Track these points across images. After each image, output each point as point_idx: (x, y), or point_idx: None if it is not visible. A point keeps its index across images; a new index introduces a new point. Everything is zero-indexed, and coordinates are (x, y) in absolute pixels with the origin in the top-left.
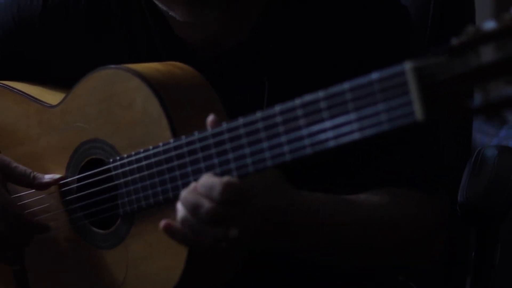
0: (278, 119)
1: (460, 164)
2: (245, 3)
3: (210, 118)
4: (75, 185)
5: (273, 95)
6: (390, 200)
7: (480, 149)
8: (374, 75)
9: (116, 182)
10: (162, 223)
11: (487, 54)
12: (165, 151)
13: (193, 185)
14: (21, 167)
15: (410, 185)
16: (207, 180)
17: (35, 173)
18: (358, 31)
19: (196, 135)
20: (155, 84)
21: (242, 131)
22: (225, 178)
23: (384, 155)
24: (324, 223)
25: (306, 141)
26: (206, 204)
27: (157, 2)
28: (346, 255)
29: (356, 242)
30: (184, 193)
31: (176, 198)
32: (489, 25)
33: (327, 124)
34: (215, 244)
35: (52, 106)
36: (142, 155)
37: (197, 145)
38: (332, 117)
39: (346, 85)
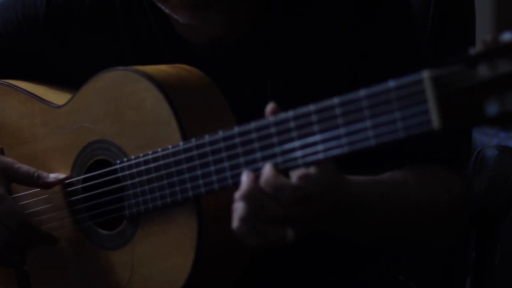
0: (292, 124)
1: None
2: (247, 3)
3: (270, 106)
4: (81, 185)
5: (277, 91)
6: (425, 177)
7: (480, 149)
8: (391, 83)
9: (123, 183)
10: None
11: (505, 64)
12: (174, 153)
13: (251, 177)
14: (25, 167)
15: (438, 162)
16: (274, 179)
17: (39, 172)
18: (361, 25)
19: (207, 138)
20: (164, 86)
21: (253, 135)
22: (295, 181)
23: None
24: (372, 207)
25: (319, 147)
26: (271, 206)
27: (160, 5)
28: (390, 234)
29: (399, 221)
30: (246, 188)
31: (185, 200)
32: (507, 36)
33: (342, 130)
34: (271, 244)
35: (58, 106)
36: (150, 156)
37: (207, 148)
38: (347, 123)
39: (362, 92)
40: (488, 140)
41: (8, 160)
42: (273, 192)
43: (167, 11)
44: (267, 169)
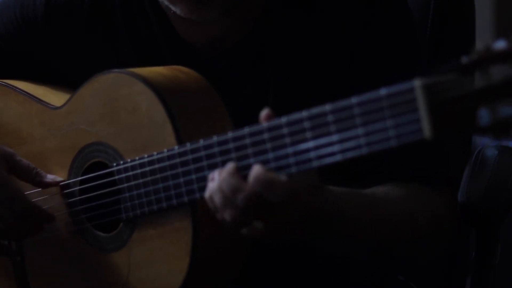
0: (284, 130)
1: (461, 164)
2: (248, 2)
3: (265, 112)
4: (78, 187)
5: (277, 93)
6: (405, 194)
7: (480, 149)
8: (383, 91)
9: (119, 186)
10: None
11: (497, 73)
12: (169, 157)
13: (232, 166)
14: (25, 161)
15: (420, 180)
16: (264, 174)
17: (38, 169)
18: (362, 27)
19: (202, 142)
20: (159, 89)
21: (247, 140)
22: (283, 177)
23: (396, 152)
24: (349, 218)
25: (312, 154)
26: (244, 188)
27: None
28: (367, 247)
29: (377, 235)
30: (226, 175)
31: (180, 205)
32: (500, 44)
33: (334, 138)
34: (236, 227)
35: (55, 108)
36: (146, 160)
37: (202, 153)
38: (339, 131)
39: (354, 100)
40: (488, 140)
41: (10, 150)
42: (263, 186)
43: (165, 3)
44: (256, 167)
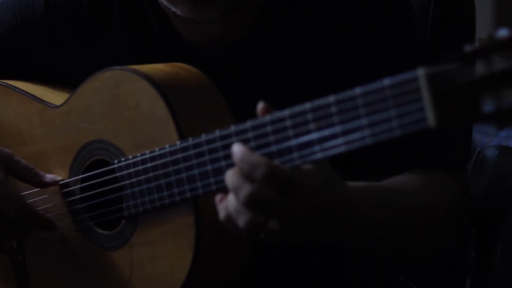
0: (288, 122)
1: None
2: (248, 2)
3: (261, 105)
4: (79, 185)
5: (278, 91)
6: (422, 182)
7: (480, 149)
8: (386, 81)
9: (121, 183)
10: (218, 197)
11: (500, 61)
12: (171, 153)
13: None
14: (23, 162)
15: (434, 167)
16: (251, 157)
17: (36, 170)
18: (362, 26)
19: (204, 137)
20: (161, 86)
21: (250, 134)
22: (273, 161)
23: (408, 139)
24: (366, 213)
25: (316, 146)
26: (247, 185)
27: None
28: (386, 242)
29: (397, 228)
30: (229, 173)
31: (182, 201)
32: (502, 33)
33: (338, 129)
34: (252, 231)
35: (56, 106)
36: (147, 156)
37: (204, 148)
38: (342, 122)
39: (357, 90)
40: (488, 140)
41: (8, 151)
42: (249, 168)
43: (165, 3)
44: (237, 148)
